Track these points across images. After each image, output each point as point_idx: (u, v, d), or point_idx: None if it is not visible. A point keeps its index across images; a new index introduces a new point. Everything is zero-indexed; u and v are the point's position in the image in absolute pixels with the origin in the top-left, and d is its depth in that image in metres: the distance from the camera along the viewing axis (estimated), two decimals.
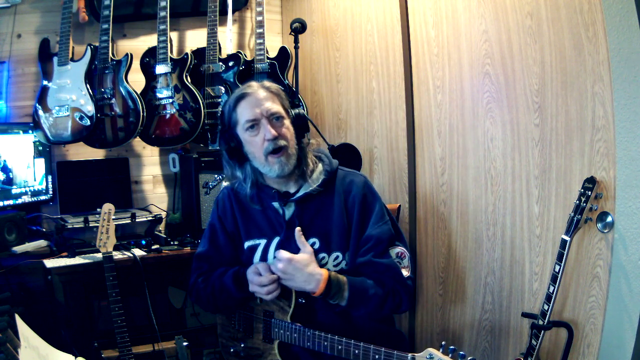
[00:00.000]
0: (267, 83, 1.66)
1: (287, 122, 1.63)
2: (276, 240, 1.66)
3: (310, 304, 1.62)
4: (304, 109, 1.69)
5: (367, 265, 1.61)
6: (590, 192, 1.52)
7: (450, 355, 1.30)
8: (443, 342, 1.32)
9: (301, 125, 1.67)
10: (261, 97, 1.61)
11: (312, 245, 1.64)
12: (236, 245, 1.73)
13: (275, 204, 1.67)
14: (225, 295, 1.67)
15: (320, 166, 1.70)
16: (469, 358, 1.30)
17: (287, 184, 1.67)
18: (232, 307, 1.72)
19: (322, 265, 1.62)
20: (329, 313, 1.62)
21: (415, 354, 1.35)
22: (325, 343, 1.51)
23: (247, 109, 1.60)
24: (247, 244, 1.70)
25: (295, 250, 1.62)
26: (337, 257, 1.64)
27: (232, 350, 1.72)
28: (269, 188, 1.68)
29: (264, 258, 1.67)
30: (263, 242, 1.68)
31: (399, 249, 1.64)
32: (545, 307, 1.57)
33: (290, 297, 1.60)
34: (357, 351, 1.45)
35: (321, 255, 1.64)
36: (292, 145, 1.62)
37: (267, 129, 1.57)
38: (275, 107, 1.61)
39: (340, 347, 1.49)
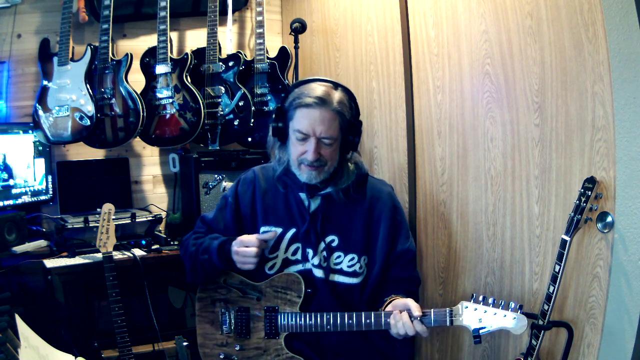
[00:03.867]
0: (337, 99, 1.58)
1: (336, 144, 1.61)
2: (292, 231, 1.68)
3: (314, 293, 1.64)
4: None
5: (407, 278, 1.69)
6: (590, 192, 1.52)
7: (482, 303, 1.41)
8: (474, 294, 1.42)
9: (351, 144, 1.65)
10: (324, 117, 1.56)
11: (331, 242, 1.66)
12: (243, 227, 1.73)
13: (302, 195, 1.68)
14: (203, 256, 1.67)
15: (352, 167, 1.70)
16: (500, 301, 1.40)
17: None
18: (207, 272, 1.70)
19: (336, 264, 1.66)
20: (332, 301, 1.64)
21: (452, 308, 1.44)
22: (350, 321, 1.53)
23: (304, 120, 1.57)
24: (263, 229, 1.70)
25: (315, 243, 1.64)
26: (352, 259, 1.66)
27: (221, 356, 1.70)
28: (298, 178, 1.67)
29: (276, 247, 1.68)
30: (279, 230, 1.69)
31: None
32: (545, 307, 1.57)
33: (298, 288, 1.61)
34: (387, 320, 1.49)
35: (337, 253, 1.66)
36: (331, 165, 1.62)
37: (311, 150, 1.57)
38: (331, 131, 1.58)
39: (368, 320, 1.51)
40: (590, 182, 1.53)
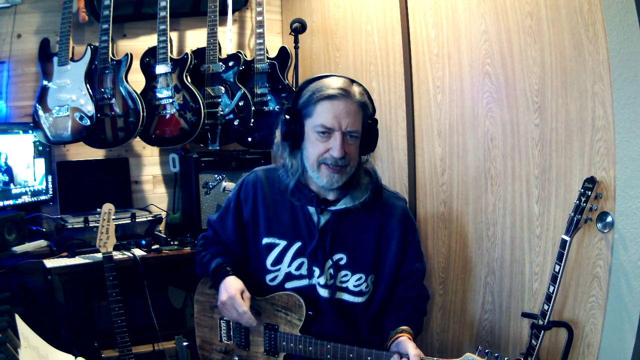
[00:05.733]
0: (358, 92, 1.50)
1: (358, 140, 1.52)
2: (297, 245, 1.59)
3: (317, 316, 1.58)
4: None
5: (415, 297, 1.62)
6: (590, 192, 1.52)
7: (486, 358, 1.31)
8: (479, 347, 1.33)
9: (370, 143, 1.56)
10: (349, 109, 1.46)
11: (339, 260, 1.58)
12: (244, 233, 1.67)
13: (311, 209, 1.58)
14: (203, 270, 1.68)
15: (366, 180, 1.59)
16: (506, 358, 1.30)
17: (328, 191, 1.58)
18: None
19: (342, 282, 1.59)
20: (335, 319, 1.59)
21: None
22: (351, 355, 1.46)
23: (328, 113, 1.46)
24: (265, 240, 1.61)
25: (322, 261, 1.57)
26: (360, 278, 1.58)
27: None
28: (308, 190, 1.57)
29: (279, 260, 1.60)
30: (283, 243, 1.60)
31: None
32: (545, 307, 1.57)
33: (300, 311, 1.55)
34: None
35: (344, 272, 1.58)
36: (353, 165, 1.52)
37: (337, 145, 1.45)
38: (357, 124, 1.48)
39: (369, 357, 1.44)
40: (590, 182, 1.53)
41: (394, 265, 1.60)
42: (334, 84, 1.48)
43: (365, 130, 1.53)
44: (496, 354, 1.31)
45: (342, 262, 1.58)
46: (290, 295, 1.57)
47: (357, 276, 1.58)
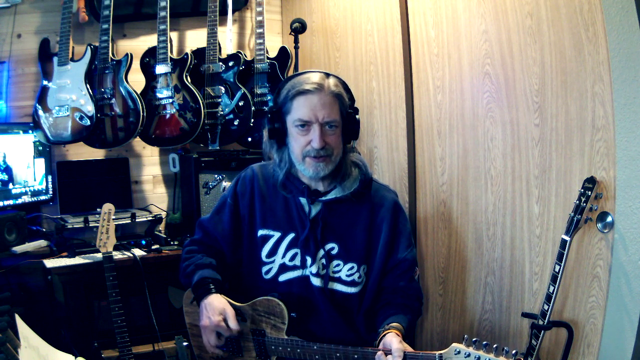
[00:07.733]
0: (333, 83, 1.55)
1: (338, 129, 1.57)
2: (290, 236, 1.63)
3: (301, 317, 1.59)
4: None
5: (403, 289, 1.62)
6: (590, 192, 1.52)
7: (473, 346, 1.31)
8: (465, 335, 1.33)
9: (352, 132, 1.61)
10: (323, 101, 1.52)
11: (331, 250, 1.62)
12: (240, 227, 1.69)
13: (303, 200, 1.63)
14: (186, 282, 1.70)
15: (356, 172, 1.65)
16: (494, 345, 1.30)
17: (319, 183, 1.64)
18: None
19: (335, 272, 1.61)
20: (330, 310, 1.61)
21: (442, 352, 1.33)
22: (338, 354, 1.47)
23: (304, 108, 1.52)
24: (261, 232, 1.66)
25: (314, 251, 1.60)
26: (352, 268, 1.61)
27: None
28: (299, 182, 1.63)
29: (273, 251, 1.64)
30: (277, 234, 1.64)
31: (417, 269, 1.68)
32: (545, 307, 1.57)
33: (282, 313, 1.55)
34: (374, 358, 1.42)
35: (336, 262, 1.61)
36: (337, 153, 1.57)
37: (316, 137, 1.52)
38: (333, 115, 1.54)
39: (356, 356, 1.45)
40: (590, 182, 1.53)
41: (383, 254, 1.63)
42: (308, 80, 1.54)
43: (345, 120, 1.58)
44: (484, 342, 1.31)
45: (334, 252, 1.62)
46: (269, 299, 1.58)
47: (349, 265, 1.62)
